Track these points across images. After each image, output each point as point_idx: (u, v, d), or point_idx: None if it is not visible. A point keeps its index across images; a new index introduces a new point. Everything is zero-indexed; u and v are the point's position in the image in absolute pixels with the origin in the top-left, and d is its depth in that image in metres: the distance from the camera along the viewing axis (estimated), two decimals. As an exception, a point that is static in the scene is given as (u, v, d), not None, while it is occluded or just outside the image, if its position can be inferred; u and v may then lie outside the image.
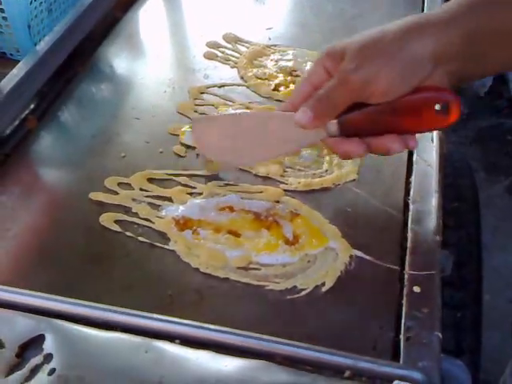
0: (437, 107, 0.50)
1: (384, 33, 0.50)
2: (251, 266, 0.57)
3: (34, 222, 0.61)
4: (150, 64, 0.85)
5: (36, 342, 0.48)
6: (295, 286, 0.55)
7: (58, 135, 0.73)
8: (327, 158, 0.69)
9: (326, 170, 0.68)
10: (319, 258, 0.58)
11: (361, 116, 0.52)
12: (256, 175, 0.67)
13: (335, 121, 0.54)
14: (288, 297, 0.54)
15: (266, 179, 0.67)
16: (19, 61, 0.74)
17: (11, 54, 0.78)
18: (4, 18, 0.74)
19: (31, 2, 0.75)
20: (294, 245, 0.59)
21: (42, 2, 0.77)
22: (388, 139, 0.53)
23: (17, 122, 0.71)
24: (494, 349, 1.06)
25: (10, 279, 0.54)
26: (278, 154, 0.64)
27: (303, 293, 0.54)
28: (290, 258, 0.58)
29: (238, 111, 0.76)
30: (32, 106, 0.74)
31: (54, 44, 0.78)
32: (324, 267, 0.57)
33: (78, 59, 0.83)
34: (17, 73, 0.72)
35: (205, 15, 0.96)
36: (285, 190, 0.65)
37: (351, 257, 0.57)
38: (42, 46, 0.77)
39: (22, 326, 0.49)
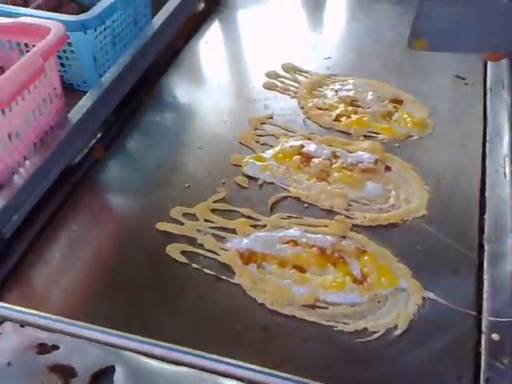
0: None
1: None
2: (318, 304, 0.56)
3: (102, 252, 0.62)
4: (211, 94, 0.86)
5: (107, 372, 0.48)
6: (366, 328, 0.53)
7: (124, 164, 0.75)
8: (393, 192, 0.68)
9: (393, 205, 0.66)
10: (390, 299, 0.56)
11: None
12: (320, 208, 0.66)
13: None
14: (358, 339, 0.52)
15: (331, 213, 0.66)
16: (86, 92, 0.76)
17: (78, 85, 0.80)
18: (71, 51, 0.76)
19: (96, 36, 0.77)
20: (362, 284, 0.58)
21: (106, 36, 0.79)
22: None
23: (85, 152, 0.73)
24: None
25: (80, 311, 0.55)
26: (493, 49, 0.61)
27: (375, 336, 0.52)
28: (358, 297, 0.57)
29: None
30: (99, 136, 0.76)
31: (119, 75, 0.79)
32: (395, 309, 0.55)
33: (142, 89, 0.84)
34: (84, 104, 0.74)
35: (263, 45, 0.97)
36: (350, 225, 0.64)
37: (424, 299, 0.55)
38: (107, 77, 0.79)
39: (93, 356, 0.49)
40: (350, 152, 0.74)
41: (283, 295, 0.57)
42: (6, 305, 0.53)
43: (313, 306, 0.56)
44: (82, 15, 0.75)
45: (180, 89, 0.87)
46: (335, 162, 0.72)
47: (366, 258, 0.60)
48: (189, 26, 0.99)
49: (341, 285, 0.57)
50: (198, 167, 0.72)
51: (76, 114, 0.72)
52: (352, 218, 0.65)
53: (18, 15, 0.71)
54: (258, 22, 1.04)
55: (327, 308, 0.56)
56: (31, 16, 0.71)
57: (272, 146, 0.76)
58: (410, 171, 0.70)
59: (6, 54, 0.71)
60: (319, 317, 0.55)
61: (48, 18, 0.70)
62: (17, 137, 0.63)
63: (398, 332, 0.53)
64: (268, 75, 0.89)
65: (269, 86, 0.87)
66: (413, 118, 0.79)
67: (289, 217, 0.66)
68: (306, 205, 0.67)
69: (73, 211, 0.66)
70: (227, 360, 0.49)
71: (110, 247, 0.63)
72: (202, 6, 1.06)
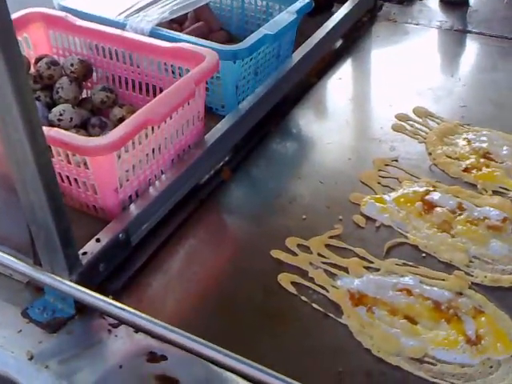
0: None
1: None
2: (426, 358, 0.54)
3: (218, 270, 0.65)
4: (337, 130, 0.87)
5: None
6: (474, 392, 0.51)
7: (246, 189, 0.78)
8: (520, 254, 0.64)
9: (518, 268, 0.63)
10: (503, 366, 0.53)
11: None
12: (439, 260, 0.64)
13: None
14: (466, 402, 0.50)
15: (449, 266, 0.64)
16: (222, 115, 0.81)
17: (216, 109, 0.85)
18: (218, 78, 0.81)
19: (242, 65, 0.82)
20: (475, 345, 0.55)
21: (250, 66, 0.84)
22: None
23: (212, 172, 0.77)
24: None
25: (189, 321, 0.58)
26: None
27: (483, 401, 0.50)
28: (469, 358, 0.54)
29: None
30: (227, 159, 0.80)
31: (255, 104, 0.83)
32: (508, 378, 0.52)
33: (271, 119, 0.88)
34: (220, 127, 0.78)
35: (396, 87, 0.97)
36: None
37: (541, 371, 0.51)
38: (244, 104, 0.83)
39: (198, 373, 0.51)
40: (477, 206, 0.71)
41: (391, 344, 0.55)
42: (125, 307, 0.52)
43: (420, 360, 0.54)
44: (234, 46, 0.79)
45: (307, 122, 0.90)
46: (460, 215, 0.70)
47: (482, 319, 0.57)
48: (324, 62, 1.02)
49: (453, 343, 0.55)
50: (316, 200, 0.73)
51: (212, 136, 0.76)
52: (472, 276, 0.62)
53: (176, 40, 0.77)
54: (393, 63, 1.04)
55: (435, 364, 0.54)
56: (188, 42, 0.77)
57: (394, 189, 0.75)
58: (541, 234, 0.66)
59: (161, 75, 0.77)
60: (426, 372, 0.53)
61: (203, 46, 0.75)
62: (159, 152, 0.68)
63: (510, 403, 0.49)
64: (398, 117, 0.89)
65: (398, 129, 0.87)
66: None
67: (404, 264, 0.64)
68: (423, 254, 0.65)
69: (195, 227, 0.69)
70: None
71: (225, 266, 0.66)
72: (339, 43, 1.09)
